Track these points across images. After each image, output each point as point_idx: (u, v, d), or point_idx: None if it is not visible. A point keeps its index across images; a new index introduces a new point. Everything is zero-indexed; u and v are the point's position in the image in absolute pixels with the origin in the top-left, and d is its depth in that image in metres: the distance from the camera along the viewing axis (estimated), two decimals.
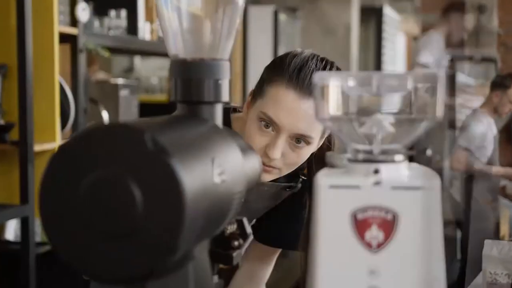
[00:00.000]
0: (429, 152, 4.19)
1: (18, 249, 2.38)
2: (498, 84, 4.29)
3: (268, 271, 1.52)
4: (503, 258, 1.94)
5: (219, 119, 0.82)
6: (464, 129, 4.17)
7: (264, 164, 1.26)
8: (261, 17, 5.05)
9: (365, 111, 0.73)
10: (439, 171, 4.31)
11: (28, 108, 2.33)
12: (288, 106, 1.23)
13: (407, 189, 0.67)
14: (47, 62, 2.45)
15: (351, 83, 0.71)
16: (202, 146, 0.69)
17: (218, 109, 0.82)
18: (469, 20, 4.58)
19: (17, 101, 2.35)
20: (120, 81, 3.14)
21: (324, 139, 1.34)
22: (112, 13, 3.00)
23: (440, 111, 0.69)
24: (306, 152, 1.29)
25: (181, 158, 0.62)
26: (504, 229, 4.25)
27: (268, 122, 1.25)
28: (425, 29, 9.77)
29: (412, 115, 0.70)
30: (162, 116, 0.76)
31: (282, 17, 4.98)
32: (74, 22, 2.63)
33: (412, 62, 4.44)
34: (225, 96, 0.82)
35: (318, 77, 0.71)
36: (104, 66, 4.48)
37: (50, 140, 2.47)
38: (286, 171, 1.31)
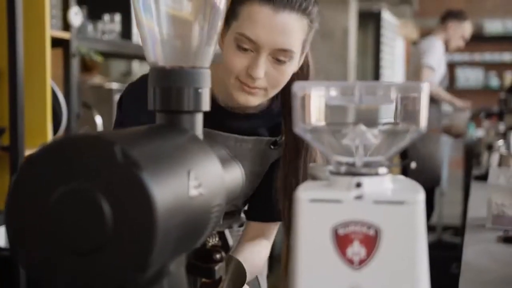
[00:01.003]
0: (413, 165, 4.22)
1: (8, 255, 2.35)
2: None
3: (268, 248, 1.48)
4: (511, 187, 1.83)
5: (199, 129, 0.79)
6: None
7: (248, 85, 1.25)
8: None
9: (348, 122, 0.71)
10: None
11: (19, 113, 2.31)
12: (265, 22, 1.20)
13: (390, 204, 0.65)
14: (39, 66, 2.43)
15: (333, 93, 0.68)
16: (178, 158, 0.67)
17: (199, 118, 0.80)
18: (468, 28, 4.59)
19: (8, 106, 2.32)
20: (115, 85, 3.11)
21: (304, 56, 1.32)
22: (106, 17, 2.98)
23: (424, 123, 0.67)
24: (289, 69, 1.26)
25: (153, 171, 0.59)
26: None
27: (245, 43, 1.22)
28: (424, 33, 9.78)
29: (396, 126, 0.68)
30: (140, 126, 0.73)
31: None
32: (66, 26, 2.61)
33: (414, 65, 4.43)
34: (205, 105, 0.80)
35: (298, 86, 0.68)
36: (102, 70, 4.46)
37: (42, 145, 2.44)
38: (271, 92, 1.28)
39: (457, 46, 4.52)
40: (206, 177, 0.70)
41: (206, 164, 0.72)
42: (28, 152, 2.36)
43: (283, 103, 1.37)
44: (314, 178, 0.75)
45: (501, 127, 4.06)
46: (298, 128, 0.69)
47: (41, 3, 2.43)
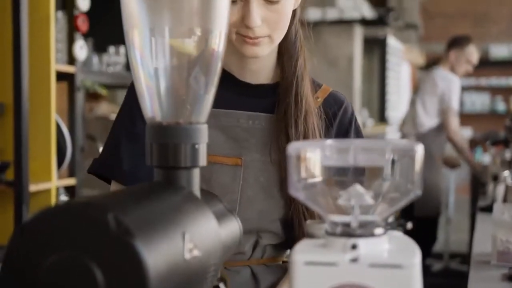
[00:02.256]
0: (409, 225, 4.23)
1: None
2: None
3: None
4: None
5: (196, 185, 0.79)
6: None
7: (249, 37, 1.17)
8: None
9: (343, 181, 0.71)
10: None
11: (24, 147, 2.31)
12: None
13: (386, 267, 0.64)
14: (44, 100, 2.44)
15: (327, 153, 0.68)
16: (172, 220, 0.66)
17: (196, 174, 0.79)
18: (473, 52, 4.59)
19: (12, 140, 2.33)
20: None
21: None
22: (111, 49, 3.00)
23: (419, 186, 0.66)
24: (286, 7, 1.18)
25: (146, 238, 0.59)
26: None
27: None
28: (429, 58, 9.80)
29: (391, 188, 0.68)
30: (134, 186, 0.73)
31: None
32: (72, 60, 2.62)
33: (439, 107, 4.39)
34: (202, 161, 0.79)
35: (293, 147, 0.68)
36: (108, 97, 4.48)
37: (46, 179, 2.45)
38: (277, 37, 1.19)
39: (465, 71, 4.51)
40: (202, 238, 0.69)
41: (201, 223, 0.72)
42: (32, 187, 2.36)
43: (279, 48, 1.27)
44: (311, 235, 0.75)
45: (508, 154, 4.04)
46: (293, 188, 0.69)
47: (46, 38, 2.45)
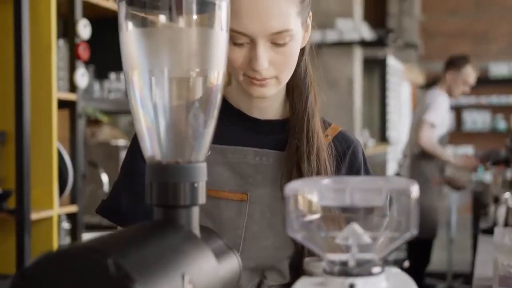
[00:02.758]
0: (406, 263, 4.30)
1: None
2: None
3: None
4: None
5: (195, 223, 0.80)
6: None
7: (257, 79, 1.16)
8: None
9: (341, 220, 0.71)
10: None
11: (25, 176, 2.33)
12: (248, 10, 1.11)
13: None
14: (46, 128, 2.46)
15: (324, 193, 0.69)
16: (172, 261, 0.67)
17: (195, 212, 0.80)
18: (470, 72, 4.59)
19: (14, 168, 2.34)
20: (121, 142, 3.14)
21: (309, 28, 1.24)
22: (112, 76, 3.02)
23: (415, 226, 0.67)
24: (293, 48, 1.16)
25: (146, 282, 0.60)
26: None
27: (238, 38, 1.13)
28: (429, 77, 9.85)
29: (387, 230, 0.69)
30: (134, 226, 0.74)
31: None
32: (73, 87, 2.64)
33: (417, 117, 4.45)
34: (202, 199, 0.80)
35: (290, 188, 0.69)
36: (110, 121, 4.50)
37: (48, 207, 2.46)
38: (284, 78, 1.18)
39: (462, 92, 4.53)
40: (201, 278, 0.70)
41: (200, 263, 0.72)
42: (34, 215, 2.37)
43: (288, 84, 1.26)
44: (309, 274, 0.76)
45: (509, 174, 4.04)
46: (290, 228, 0.70)
47: (48, 66, 2.47)
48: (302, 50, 1.25)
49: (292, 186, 0.70)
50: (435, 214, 4.37)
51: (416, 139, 4.33)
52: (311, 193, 0.69)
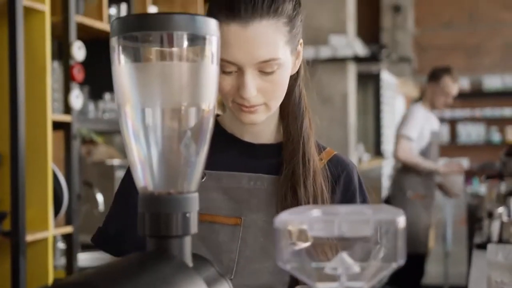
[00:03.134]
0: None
1: None
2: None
3: None
4: (511, 264, 1.78)
5: (187, 252, 0.81)
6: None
7: (245, 106, 1.17)
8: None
9: (330, 250, 0.73)
10: None
11: (21, 197, 2.33)
12: (236, 39, 1.12)
13: None
14: (41, 150, 2.47)
15: (313, 225, 0.70)
16: None
17: (187, 242, 0.82)
18: (449, 83, 4.52)
19: (9, 190, 2.35)
20: (116, 162, 3.15)
21: (300, 55, 1.24)
22: (107, 96, 3.03)
23: (402, 255, 0.69)
24: (281, 77, 1.17)
25: None
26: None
27: (227, 67, 1.14)
28: (423, 90, 9.90)
29: (376, 259, 0.70)
30: (125, 257, 0.75)
31: None
32: (68, 109, 2.66)
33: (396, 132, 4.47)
34: (193, 228, 0.82)
35: (279, 220, 0.71)
36: (106, 139, 4.51)
37: (43, 229, 2.46)
38: (273, 105, 1.19)
39: (445, 104, 4.46)
40: None
41: None
42: (29, 236, 2.38)
43: (282, 109, 1.27)
44: None
45: (503, 187, 4.06)
46: (280, 259, 0.71)
47: (43, 88, 2.48)
48: (296, 75, 1.27)
49: (282, 218, 0.71)
50: (419, 229, 4.35)
51: (394, 152, 4.38)
52: (301, 225, 0.71)
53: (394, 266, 0.70)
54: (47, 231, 2.47)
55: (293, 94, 1.27)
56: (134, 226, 1.04)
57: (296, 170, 1.23)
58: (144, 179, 0.83)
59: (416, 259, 4.38)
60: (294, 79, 1.25)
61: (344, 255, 0.71)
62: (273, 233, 1.20)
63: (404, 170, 4.35)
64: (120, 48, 0.80)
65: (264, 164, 1.27)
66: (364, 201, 1.31)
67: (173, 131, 0.83)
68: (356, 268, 0.71)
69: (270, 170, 1.26)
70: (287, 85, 1.20)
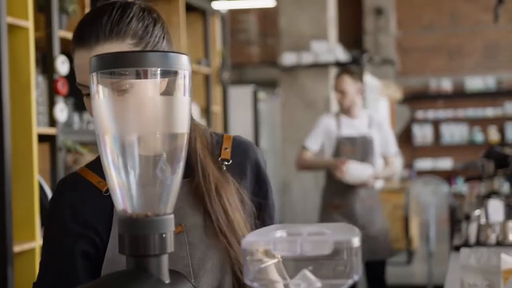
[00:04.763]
0: None
1: None
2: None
3: None
4: (482, 267, 1.83)
5: (164, 270, 0.88)
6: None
7: None
8: (241, 96, 5.20)
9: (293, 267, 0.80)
10: None
11: (7, 209, 2.39)
12: (84, 63, 1.16)
13: None
14: (26, 162, 2.52)
15: (277, 245, 0.77)
16: None
17: (164, 260, 0.88)
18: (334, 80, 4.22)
19: None
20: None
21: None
22: None
23: (356, 272, 0.76)
24: (141, 96, 1.13)
25: None
26: None
27: (84, 89, 1.20)
28: (407, 92, 10.01)
29: (334, 275, 0.77)
30: (106, 275, 0.82)
31: (261, 95, 5.10)
32: (52, 121, 2.71)
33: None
34: (170, 247, 0.89)
35: (246, 242, 0.77)
36: (92, 148, 4.55)
37: (30, 239, 2.52)
38: None
39: (339, 101, 4.14)
40: None
41: None
42: (16, 247, 2.43)
43: None
44: None
45: (482, 189, 4.14)
46: (247, 277, 0.78)
47: (27, 102, 2.54)
48: None
49: (248, 239, 0.78)
50: (374, 234, 4.17)
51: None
52: (266, 245, 0.78)
53: (350, 281, 0.77)
54: (34, 242, 2.53)
55: None
56: (69, 274, 1.08)
57: (199, 187, 1.27)
58: (123, 203, 0.89)
59: (379, 266, 4.34)
60: None
61: (306, 272, 0.78)
62: (211, 231, 1.25)
63: (325, 183, 4.18)
64: (99, 83, 0.87)
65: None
66: (269, 186, 1.36)
67: (149, 157, 0.89)
68: (317, 284, 0.78)
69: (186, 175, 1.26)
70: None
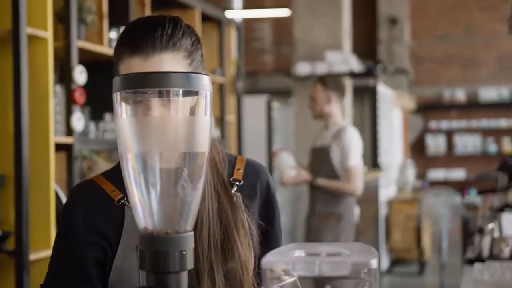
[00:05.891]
0: None
1: None
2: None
3: None
4: (495, 281, 1.85)
5: (184, 286, 0.90)
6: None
7: None
8: (255, 105, 5.21)
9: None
10: None
11: (24, 217, 2.42)
12: (138, 71, 1.19)
13: None
14: (43, 171, 2.55)
15: (296, 266, 0.79)
16: None
17: (184, 277, 0.90)
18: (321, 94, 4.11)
19: (13, 211, 2.43)
20: None
21: None
22: (108, 116, 3.12)
23: None
24: None
25: None
26: None
27: None
28: (420, 102, 9.99)
29: None
30: None
31: (275, 104, 5.11)
32: (69, 131, 2.74)
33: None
34: (190, 264, 0.90)
35: (265, 262, 0.79)
36: (106, 155, 4.58)
37: (46, 247, 2.54)
38: None
39: (308, 107, 4.17)
40: None
41: None
42: (32, 255, 2.46)
43: None
44: None
45: (496, 201, 4.12)
46: None
47: (45, 111, 2.57)
48: None
49: (268, 259, 0.79)
50: None
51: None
52: (285, 265, 0.79)
53: None
54: (50, 250, 2.55)
55: None
56: (76, 283, 1.10)
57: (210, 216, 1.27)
58: (144, 220, 0.91)
59: None
60: None
61: None
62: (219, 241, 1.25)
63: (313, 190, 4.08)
64: (122, 102, 0.89)
65: None
66: (277, 210, 1.37)
67: (170, 174, 0.91)
68: None
69: None
70: None
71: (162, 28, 1.22)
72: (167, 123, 0.90)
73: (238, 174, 1.34)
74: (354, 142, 4.00)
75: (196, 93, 0.90)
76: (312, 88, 4.09)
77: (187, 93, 0.89)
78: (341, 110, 4.14)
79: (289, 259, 0.79)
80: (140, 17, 1.29)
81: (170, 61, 1.22)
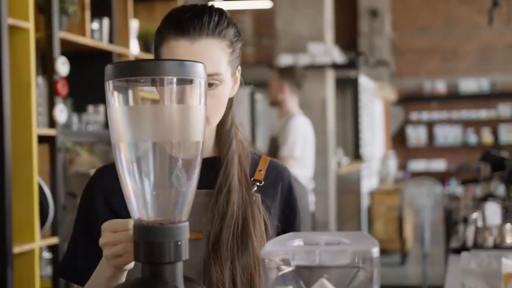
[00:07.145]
0: None
1: None
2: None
3: None
4: (483, 271, 1.85)
5: (179, 277, 0.88)
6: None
7: None
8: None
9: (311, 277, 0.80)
10: None
11: (7, 209, 2.38)
12: (184, 53, 1.20)
13: None
14: (26, 163, 2.51)
15: (296, 255, 0.78)
16: None
17: (179, 267, 0.89)
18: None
19: None
20: None
21: (238, 82, 1.31)
22: (91, 108, 3.09)
23: (377, 282, 0.76)
24: (223, 92, 1.24)
25: None
26: None
27: None
28: (401, 93, 10.03)
29: (353, 285, 0.77)
30: (122, 283, 0.82)
31: (258, 96, 5.09)
32: (52, 123, 2.71)
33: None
34: (185, 255, 0.89)
35: (265, 252, 0.78)
36: (88, 147, 4.54)
37: (29, 240, 2.51)
38: (214, 121, 1.25)
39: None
40: None
41: None
42: (16, 248, 2.42)
43: (217, 132, 1.31)
44: None
45: (478, 191, 4.14)
46: (267, 286, 0.78)
47: (28, 103, 2.53)
48: (231, 101, 1.32)
49: (267, 249, 0.78)
50: None
51: None
52: (285, 255, 0.78)
53: None
54: (34, 243, 2.52)
55: (227, 119, 1.32)
56: (99, 255, 1.09)
57: (232, 186, 1.27)
58: (138, 211, 0.90)
59: None
60: (229, 105, 1.31)
61: (324, 281, 0.78)
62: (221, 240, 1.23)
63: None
64: (114, 91, 0.87)
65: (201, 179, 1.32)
66: (298, 213, 1.37)
67: (164, 165, 0.90)
68: None
69: (207, 185, 1.28)
70: (226, 104, 1.27)
71: (209, 15, 1.23)
72: (160, 111, 0.88)
73: (260, 175, 1.33)
74: (294, 132, 4.01)
75: (190, 81, 0.88)
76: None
77: (181, 82, 0.88)
78: (295, 101, 4.19)
79: (288, 249, 0.78)
80: (185, 4, 1.30)
81: (215, 47, 1.23)
